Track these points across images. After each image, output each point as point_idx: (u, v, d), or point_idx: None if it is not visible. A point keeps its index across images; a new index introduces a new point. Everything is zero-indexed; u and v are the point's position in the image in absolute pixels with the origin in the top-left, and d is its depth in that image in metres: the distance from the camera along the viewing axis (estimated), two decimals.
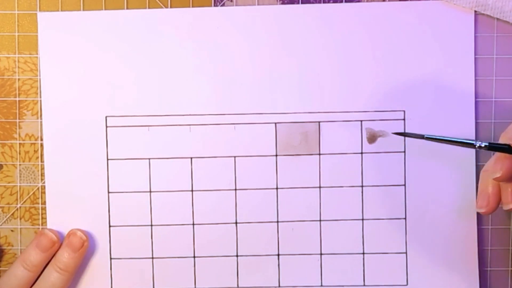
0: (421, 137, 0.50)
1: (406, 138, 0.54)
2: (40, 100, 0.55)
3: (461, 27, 0.54)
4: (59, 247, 0.54)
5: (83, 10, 0.55)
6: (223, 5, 0.55)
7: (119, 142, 0.55)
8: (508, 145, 0.47)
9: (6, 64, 0.55)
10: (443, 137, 0.50)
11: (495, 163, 0.48)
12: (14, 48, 0.55)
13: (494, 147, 0.48)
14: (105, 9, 0.55)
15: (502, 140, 0.48)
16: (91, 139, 0.55)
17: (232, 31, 0.55)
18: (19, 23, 0.55)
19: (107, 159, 0.55)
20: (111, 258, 0.56)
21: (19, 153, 0.56)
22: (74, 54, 0.55)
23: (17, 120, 0.56)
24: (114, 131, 0.55)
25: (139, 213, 0.56)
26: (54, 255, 0.54)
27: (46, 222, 0.56)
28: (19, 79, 0.55)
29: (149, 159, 0.55)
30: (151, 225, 0.55)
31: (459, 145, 0.50)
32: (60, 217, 0.55)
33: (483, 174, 0.50)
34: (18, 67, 0.55)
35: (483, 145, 0.48)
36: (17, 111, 0.56)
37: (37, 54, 0.55)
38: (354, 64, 0.55)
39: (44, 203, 0.56)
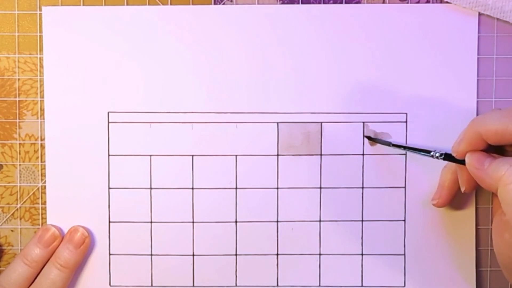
0: (388, 144, 0.54)
1: (407, 140, 0.54)
2: (40, 100, 0.55)
3: (464, 29, 0.54)
4: (60, 244, 0.54)
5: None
6: (223, 4, 0.55)
7: (120, 138, 0.55)
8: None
9: (6, 64, 0.55)
10: (408, 145, 0.54)
11: (459, 177, 0.51)
12: (14, 48, 0.55)
13: (449, 158, 0.50)
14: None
15: (452, 152, 0.50)
16: (93, 135, 0.55)
17: (233, 29, 0.55)
18: (19, 23, 0.55)
19: (108, 155, 0.55)
20: (110, 254, 0.56)
21: (19, 153, 0.56)
22: (76, 49, 0.55)
23: (17, 120, 0.55)
24: (116, 127, 0.55)
25: (139, 210, 0.56)
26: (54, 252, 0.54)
27: (46, 222, 0.55)
28: (19, 79, 0.55)
29: (150, 155, 0.55)
30: (151, 222, 0.56)
31: (419, 153, 0.52)
32: (60, 212, 0.55)
33: (443, 170, 0.54)
34: (18, 67, 0.55)
35: (438, 155, 0.51)
36: (17, 111, 0.55)
37: (37, 54, 0.55)
38: (356, 65, 0.55)
39: (44, 203, 0.56)
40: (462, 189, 0.51)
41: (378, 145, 0.55)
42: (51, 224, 0.55)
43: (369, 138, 0.55)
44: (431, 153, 0.51)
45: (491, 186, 0.46)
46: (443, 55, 0.55)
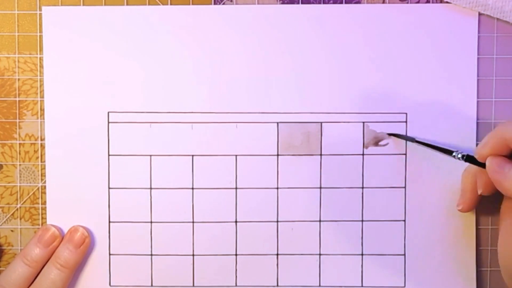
0: (412, 140, 0.54)
1: (408, 142, 0.54)
2: (40, 100, 0.55)
3: (463, 29, 0.54)
4: (60, 244, 0.54)
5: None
6: (223, 4, 0.55)
7: (120, 138, 0.55)
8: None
9: (6, 64, 0.55)
10: (430, 142, 0.54)
11: (478, 180, 0.51)
12: (14, 48, 0.55)
13: (470, 160, 0.50)
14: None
15: (475, 155, 0.50)
16: (93, 135, 0.55)
17: (233, 30, 0.55)
18: (19, 23, 0.55)
19: (108, 155, 0.55)
20: (110, 254, 0.56)
21: (19, 153, 0.56)
22: (76, 49, 0.55)
23: (17, 120, 0.55)
24: (116, 127, 0.55)
25: (139, 210, 0.56)
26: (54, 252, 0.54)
27: (46, 222, 0.55)
28: (19, 79, 0.55)
29: (150, 155, 0.55)
30: (151, 222, 0.56)
31: (441, 152, 0.52)
32: (60, 212, 0.55)
33: (463, 174, 0.53)
34: (18, 67, 0.55)
35: (460, 156, 0.51)
36: (17, 111, 0.55)
37: (37, 54, 0.55)
38: (356, 65, 0.55)
39: (44, 203, 0.56)
40: (479, 192, 0.51)
41: (378, 145, 0.55)
42: (51, 224, 0.55)
43: (393, 135, 0.55)
44: (453, 154, 0.51)
45: (508, 191, 0.46)
46: (443, 55, 0.55)
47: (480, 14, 0.54)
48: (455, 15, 0.54)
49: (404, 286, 0.56)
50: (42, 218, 0.56)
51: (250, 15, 0.55)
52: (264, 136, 0.55)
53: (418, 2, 0.55)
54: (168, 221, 0.56)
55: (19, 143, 0.56)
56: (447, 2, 0.54)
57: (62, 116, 0.55)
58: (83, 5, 0.55)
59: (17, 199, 0.56)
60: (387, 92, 0.55)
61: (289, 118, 0.55)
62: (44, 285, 0.53)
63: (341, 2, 0.55)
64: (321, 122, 0.55)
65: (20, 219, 0.56)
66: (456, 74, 0.55)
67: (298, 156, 0.55)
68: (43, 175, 0.56)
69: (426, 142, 0.53)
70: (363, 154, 0.55)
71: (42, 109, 0.55)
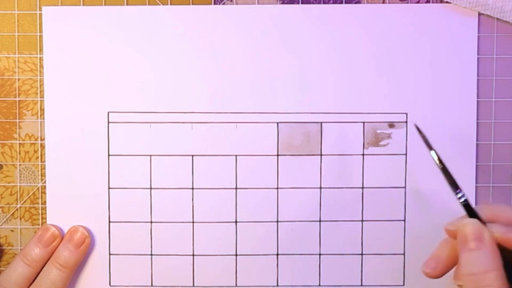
0: (430, 148, 0.49)
1: (407, 140, 0.55)
2: (40, 100, 0.55)
3: (463, 29, 0.54)
4: (60, 243, 0.54)
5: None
6: (223, 4, 0.55)
7: (120, 138, 0.55)
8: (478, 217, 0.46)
9: (6, 64, 0.55)
10: (443, 165, 0.48)
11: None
12: (14, 48, 0.55)
13: (467, 208, 0.47)
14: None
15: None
16: (93, 134, 0.55)
17: (234, 30, 0.55)
18: (19, 23, 0.55)
19: (108, 155, 0.55)
20: (110, 254, 0.56)
21: (19, 153, 0.56)
22: (76, 49, 0.55)
23: (17, 120, 0.55)
24: (116, 127, 0.55)
25: (139, 210, 0.56)
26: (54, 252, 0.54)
27: (46, 222, 0.55)
28: (19, 79, 0.55)
29: (150, 155, 0.55)
30: (151, 222, 0.56)
31: (447, 181, 0.48)
32: (60, 212, 0.55)
33: (443, 242, 0.49)
34: (18, 67, 0.55)
35: (461, 199, 0.47)
36: (17, 111, 0.55)
37: (37, 54, 0.55)
38: (356, 65, 0.55)
39: (44, 203, 0.56)
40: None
41: (378, 145, 0.55)
42: (51, 224, 0.55)
43: (419, 130, 0.51)
44: (457, 192, 0.47)
45: None
46: (443, 55, 0.55)
47: (480, 14, 0.54)
48: (455, 15, 0.54)
49: (403, 285, 0.56)
50: (42, 218, 0.56)
51: (250, 15, 0.55)
52: (264, 136, 0.55)
53: (418, 2, 0.55)
54: (168, 221, 0.56)
55: (19, 143, 0.56)
56: (447, 2, 0.54)
57: (62, 116, 0.55)
58: (83, 5, 0.55)
59: (17, 199, 0.56)
60: (387, 92, 0.55)
61: (289, 118, 0.55)
62: (44, 285, 0.53)
63: (341, 2, 0.55)
64: (321, 122, 0.55)
65: (20, 219, 0.56)
66: (456, 74, 0.55)
67: (298, 156, 0.55)
68: (43, 175, 0.56)
69: (439, 163, 0.48)
70: (363, 154, 0.55)
71: (42, 109, 0.55)
